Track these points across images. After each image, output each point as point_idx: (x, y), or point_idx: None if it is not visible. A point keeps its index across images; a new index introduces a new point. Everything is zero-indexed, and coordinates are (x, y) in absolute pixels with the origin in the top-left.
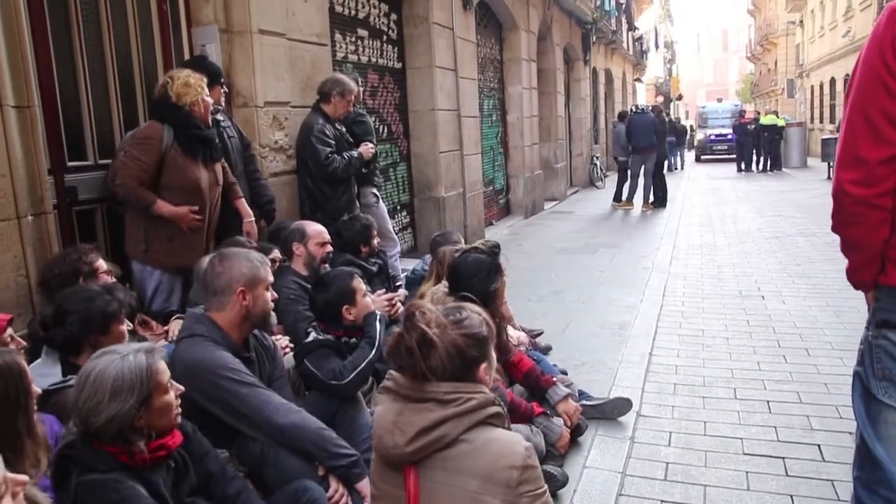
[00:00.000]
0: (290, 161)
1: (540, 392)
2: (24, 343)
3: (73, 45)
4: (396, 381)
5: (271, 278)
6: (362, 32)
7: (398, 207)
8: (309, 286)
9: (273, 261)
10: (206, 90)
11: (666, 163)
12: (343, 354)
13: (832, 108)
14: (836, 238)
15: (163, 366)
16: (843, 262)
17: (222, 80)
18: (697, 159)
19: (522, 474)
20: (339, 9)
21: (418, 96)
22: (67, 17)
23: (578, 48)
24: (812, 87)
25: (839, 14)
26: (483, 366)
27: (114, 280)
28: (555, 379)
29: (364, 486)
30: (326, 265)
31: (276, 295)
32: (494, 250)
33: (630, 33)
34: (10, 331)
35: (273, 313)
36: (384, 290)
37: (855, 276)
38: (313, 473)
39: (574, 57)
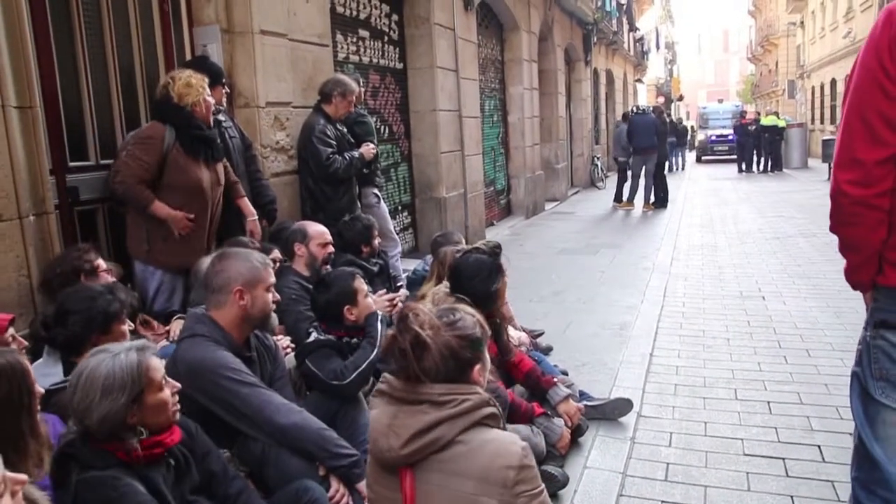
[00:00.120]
0: (291, 161)
1: (541, 392)
2: (26, 343)
3: (74, 46)
4: (390, 384)
5: (272, 280)
6: (363, 33)
7: (399, 208)
8: (310, 286)
9: (273, 261)
10: (208, 90)
11: (666, 163)
12: (344, 355)
13: (833, 109)
14: (837, 239)
15: (155, 363)
16: (843, 263)
17: (224, 80)
18: (698, 160)
19: (519, 474)
20: (340, 9)
21: (419, 97)
22: (69, 18)
23: (579, 49)
24: (813, 87)
25: (840, 15)
26: (477, 367)
27: (114, 279)
28: (555, 379)
29: (365, 486)
30: (328, 266)
31: (278, 297)
32: (496, 251)
33: (631, 34)
34: (11, 330)
35: (274, 315)
36: (385, 291)
37: (853, 277)
38: (314, 473)
39: (575, 57)
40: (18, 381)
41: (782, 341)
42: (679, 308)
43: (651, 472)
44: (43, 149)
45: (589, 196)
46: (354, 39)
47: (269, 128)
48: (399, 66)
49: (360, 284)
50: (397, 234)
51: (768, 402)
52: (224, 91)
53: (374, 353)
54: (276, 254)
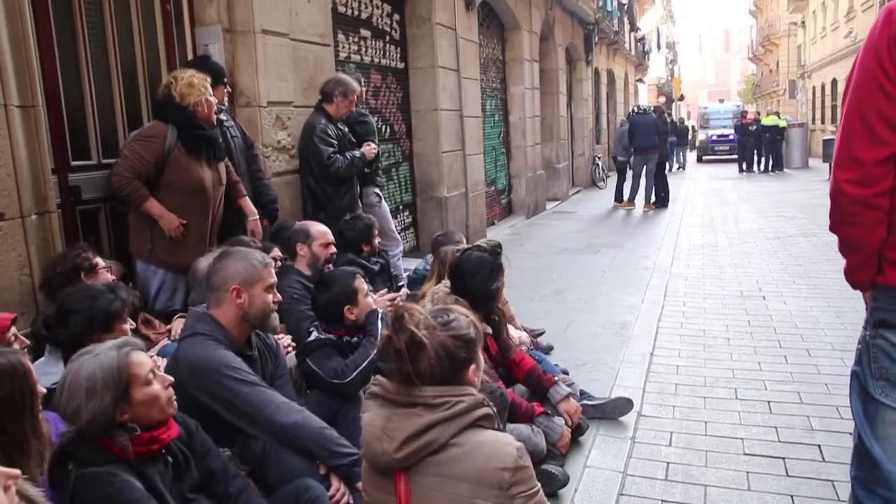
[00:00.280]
0: (292, 161)
1: (541, 391)
2: (28, 342)
3: (76, 45)
4: (384, 387)
5: (272, 279)
6: (365, 33)
7: (400, 207)
8: (312, 286)
9: (274, 259)
10: (210, 90)
11: (667, 163)
12: (345, 353)
13: (834, 108)
14: (837, 238)
15: (139, 358)
16: (843, 263)
17: (226, 79)
18: (699, 160)
19: (514, 475)
20: (341, 9)
21: (421, 96)
22: (71, 17)
23: (581, 48)
24: (814, 87)
25: (841, 15)
26: (472, 367)
27: (115, 277)
28: (556, 378)
29: None
30: (330, 265)
31: (279, 297)
32: (496, 249)
33: (632, 34)
34: (13, 330)
35: (275, 314)
36: (386, 290)
37: (853, 276)
38: (315, 472)
39: (576, 57)
40: (20, 381)
41: (783, 341)
42: (680, 307)
43: (651, 472)
44: (45, 148)
45: (590, 196)
46: (356, 39)
47: (270, 127)
48: (400, 65)
49: (361, 284)
50: (398, 233)
51: (768, 402)
52: (226, 91)
53: (375, 351)
54: (277, 252)
